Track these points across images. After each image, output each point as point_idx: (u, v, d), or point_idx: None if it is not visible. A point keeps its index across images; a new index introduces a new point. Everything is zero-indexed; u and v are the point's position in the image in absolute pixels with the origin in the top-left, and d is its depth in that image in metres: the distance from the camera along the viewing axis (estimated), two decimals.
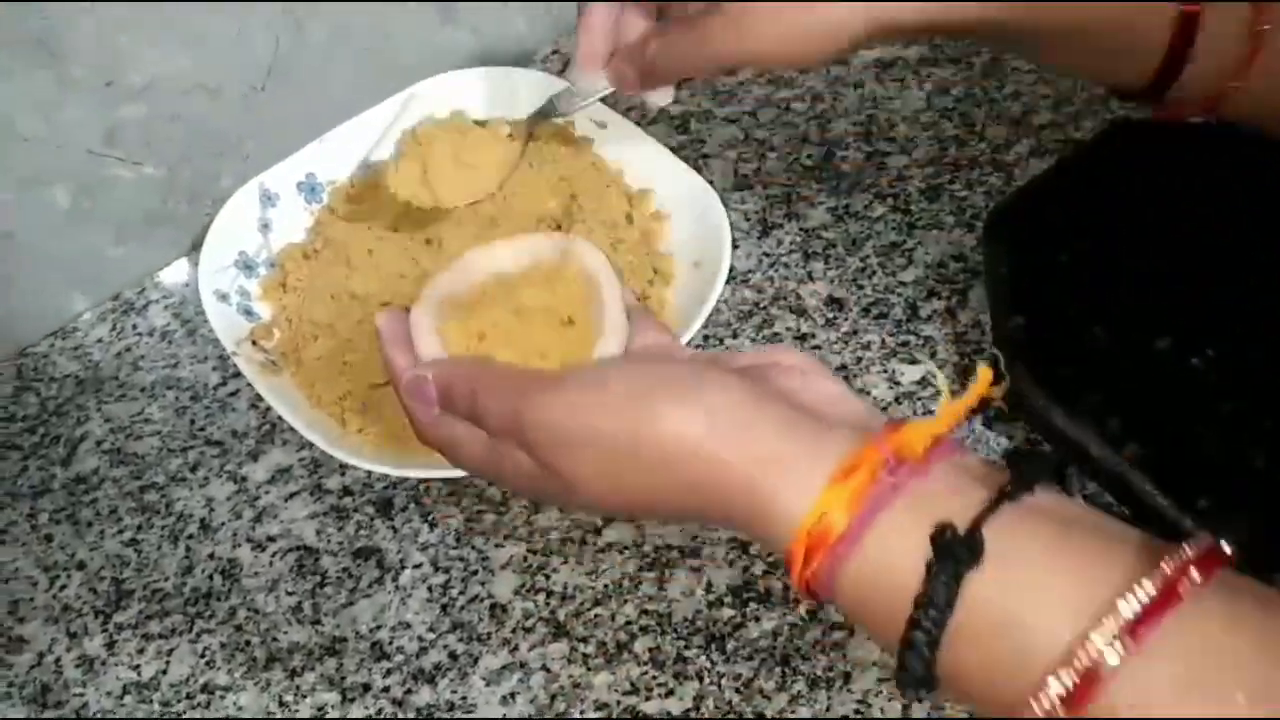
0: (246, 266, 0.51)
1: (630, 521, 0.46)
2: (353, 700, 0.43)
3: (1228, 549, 0.26)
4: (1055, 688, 0.25)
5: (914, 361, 0.51)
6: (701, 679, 0.43)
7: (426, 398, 0.36)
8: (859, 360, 0.51)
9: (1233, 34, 0.37)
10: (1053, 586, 0.27)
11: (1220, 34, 0.37)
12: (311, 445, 0.45)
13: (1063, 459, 0.45)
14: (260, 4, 0.52)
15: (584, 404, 0.32)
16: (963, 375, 0.50)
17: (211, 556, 0.48)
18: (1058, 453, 0.45)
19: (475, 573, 0.46)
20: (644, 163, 0.52)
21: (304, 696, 0.44)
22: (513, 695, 0.43)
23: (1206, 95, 0.39)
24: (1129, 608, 0.25)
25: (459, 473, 0.45)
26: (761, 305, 0.53)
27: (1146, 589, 0.25)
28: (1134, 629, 0.25)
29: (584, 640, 0.44)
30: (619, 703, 0.43)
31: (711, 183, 0.51)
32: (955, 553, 0.27)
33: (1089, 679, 0.25)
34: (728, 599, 0.45)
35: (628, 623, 0.45)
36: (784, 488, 0.30)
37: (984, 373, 0.31)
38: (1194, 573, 0.25)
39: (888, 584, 0.28)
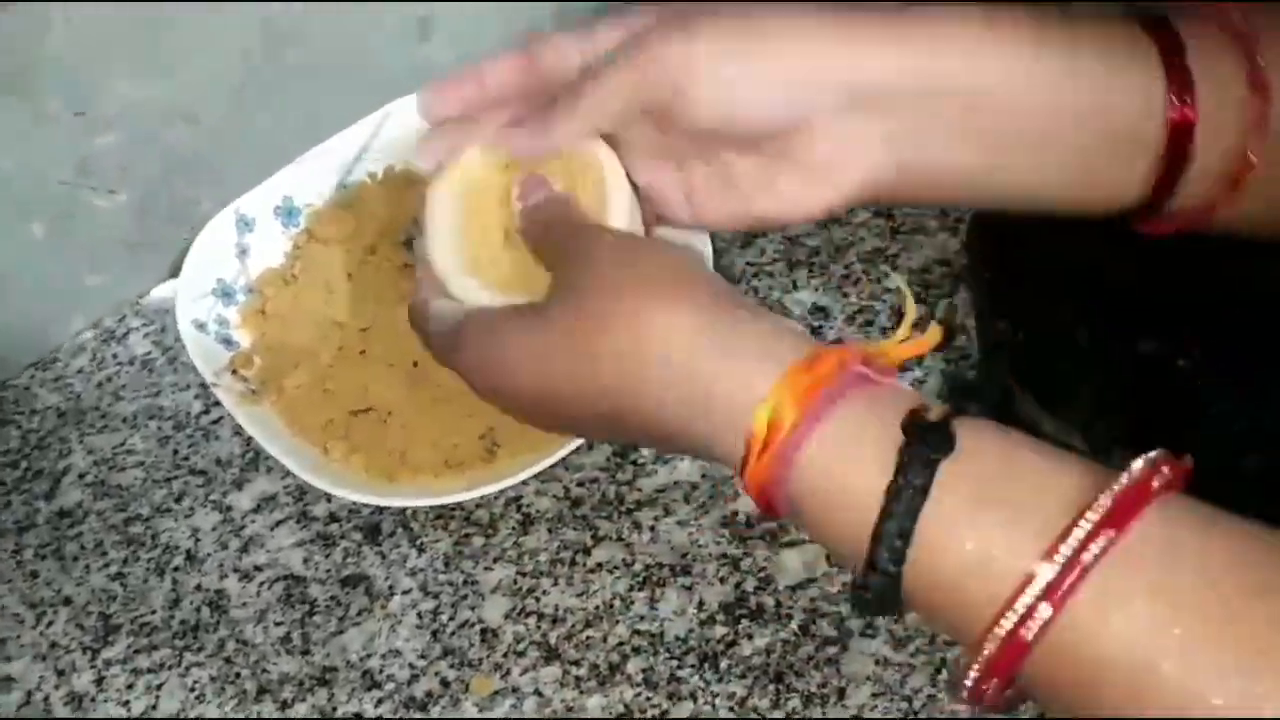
0: (225, 294, 0.50)
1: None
2: None
3: (1188, 462, 0.26)
4: (1038, 580, 0.24)
5: (901, 369, 0.50)
6: (695, 699, 0.43)
7: (535, 190, 0.38)
8: None
9: (1224, 148, 0.34)
10: (1026, 480, 0.26)
11: (1212, 148, 0.34)
12: None
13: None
14: (232, 28, 0.52)
15: (621, 260, 0.33)
16: (950, 380, 0.50)
17: (199, 588, 0.47)
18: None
19: (465, 597, 0.46)
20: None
21: None
22: None
23: (1197, 208, 0.35)
24: (1105, 501, 0.25)
25: (443, 500, 0.45)
26: None
27: (1123, 482, 0.25)
28: (1113, 521, 0.24)
29: (576, 663, 0.44)
30: None
31: None
32: (929, 439, 0.26)
33: (1072, 571, 0.24)
34: (720, 616, 0.44)
35: (620, 644, 0.44)
36: (741, 375, 0.29)
37: (934, 331, 0.32)
38: (1165, 470, 0.25)
39: (853, 474, 0.27)
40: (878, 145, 0.35)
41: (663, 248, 0.37)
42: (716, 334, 0.30)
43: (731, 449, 0.29)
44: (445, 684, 0.44)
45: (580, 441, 0.44)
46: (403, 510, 0.48)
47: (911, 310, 0.31)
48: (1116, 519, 0.25)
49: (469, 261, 0.39)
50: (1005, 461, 0.27)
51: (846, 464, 0.28)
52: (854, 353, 0.29)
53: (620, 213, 0.37)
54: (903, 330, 0.31)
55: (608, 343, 0.31)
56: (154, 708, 0.44)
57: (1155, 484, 0.25)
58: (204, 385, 0.52)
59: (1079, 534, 0.24)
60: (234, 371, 0.48)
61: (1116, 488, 0.25)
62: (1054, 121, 0.34)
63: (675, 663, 0.44)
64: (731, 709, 0.42)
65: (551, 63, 0.38)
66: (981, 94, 0.34)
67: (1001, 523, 0.26)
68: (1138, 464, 0.25)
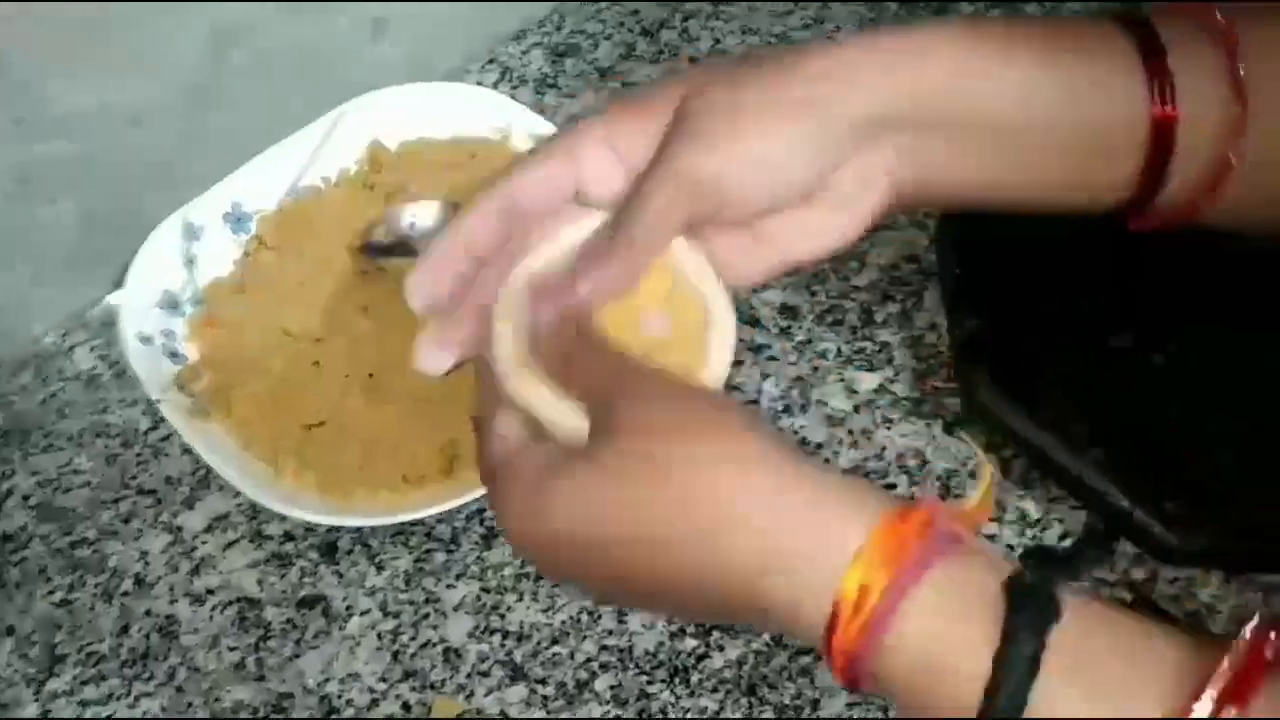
0: (171, 305, 0.48)
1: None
2: None
3: None
4: None
5: (871, 369, 0.49)
6: (666, 714, 0.41)
7: (545, 308, 0.33)
8: (815, 369, 0.50)
9: (1206, 146, 0.34)
10: (1135, 649, 0.25)
11: (1194, 145, 0.34)
12: None
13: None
14: (179, 29, 0.50)
15: (675, 401, 0.30)
16: (920, 379, 0.49)
17: (148, 614, 0.45)
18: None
19: (426, 616, 0.44)
20: None
21: None
22: None
23: (1183, 204, 0.36)
24: (1226, 672, 0.24)
25: (399, 518, 0.43)
26: None
27: (1238, 652, 0.24)
28: (1236, 695, 0.23)
29: (542, 681, 0.42)
30: None
31: None
32: (1036, 606, 0.25)
33: None
34: (690, 629, 0.43)
35: (588, 660, 0.43)
36: (827, 532, 0.27)
37: (988, 469, 0.30)
38: (1274, 636, 0.24)
39: (954, 644, 0.26)
40: (895, 162, 0.35)
41: (713, 393, 0.34)
42: (796, 487, 0.28)
43: (814, 613, 0.27)
44: (407, 708, 0.42)
45: None
46: (361, 527, 0.46)
47: (988, 474, 0.30)
48: (1238, 692, 0.23)
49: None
50: (1110, 628, 0.26)
51: (947, 633, 0.26)
52: (940, 511, 0.27)
53: (722, 311, 0.34)
54: (979, 494, 0.29)
55: (670, 490, 0.29)
56: None
57: (1268, 654, 0.24)
58: (152, 401, 0.50)
59: (1201, 710, 0.23)
60: (180, 387, 0.46)
61: (1233, 657, 0.24)
62: (1041, 128, 0.35)
63: (645, 678, 0.42)
64: None
65: (536, 197, 0.35)
66: (970, 108, 0.34)
67: (1117, 697, 0.25)
68: (1247, 632, 0.24)
